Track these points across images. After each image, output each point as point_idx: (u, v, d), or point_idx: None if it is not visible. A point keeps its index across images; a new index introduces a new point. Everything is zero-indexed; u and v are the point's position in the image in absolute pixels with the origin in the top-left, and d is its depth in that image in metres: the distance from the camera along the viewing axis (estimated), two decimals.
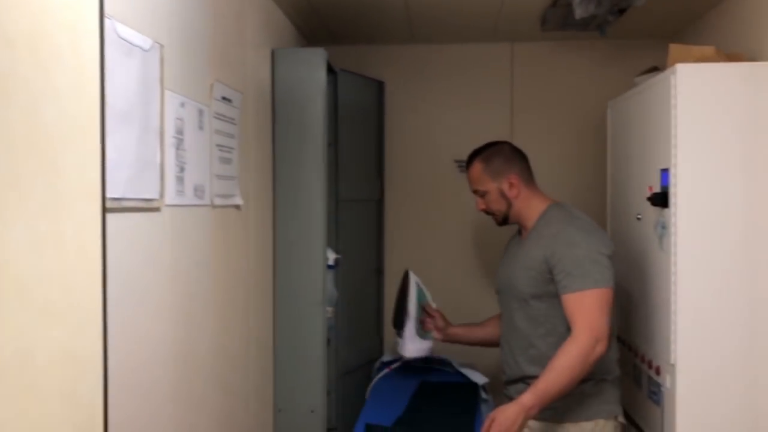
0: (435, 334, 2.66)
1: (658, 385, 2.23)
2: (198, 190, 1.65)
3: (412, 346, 2.64)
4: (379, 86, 3.26)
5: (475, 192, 2.32)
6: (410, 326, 2.64)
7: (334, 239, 2.77)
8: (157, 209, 1.40)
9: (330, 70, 2.60)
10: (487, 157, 2.29)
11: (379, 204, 3.30)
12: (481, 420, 2.33)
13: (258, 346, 2.21)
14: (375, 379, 2.84)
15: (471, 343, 2.68)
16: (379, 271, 3.29)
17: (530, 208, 2.25)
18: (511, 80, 3.26)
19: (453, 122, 3.27)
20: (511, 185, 2.25)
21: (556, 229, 2.13)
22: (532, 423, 2.07)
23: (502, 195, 2.25)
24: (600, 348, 1.99)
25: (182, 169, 1.54)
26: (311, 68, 2.42)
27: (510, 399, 2.11)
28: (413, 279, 2.70)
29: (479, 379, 2.73)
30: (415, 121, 3.30)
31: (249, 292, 2.12)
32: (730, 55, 2.17)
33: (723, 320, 2.07)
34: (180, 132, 1.52)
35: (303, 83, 2.42)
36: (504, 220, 2.31)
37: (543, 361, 2.08)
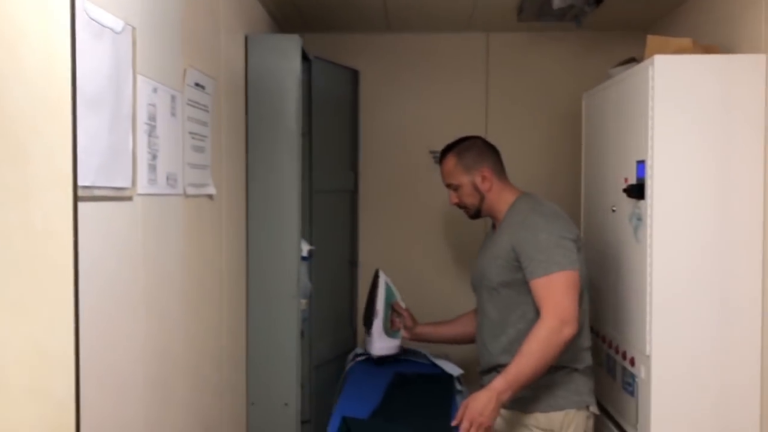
0: (403, 332, 2.74)
1: (633, 376, 2.24)
2: (170, 179, 1.60)
3: (380, 344, 2.74)
4: (354, 75, 3.22)
5: (449, 186, 2.35)
6: (378, 325, 2.71)
7: (307, 230, 2.74)
8: (129, 198, 1.35)
9: (304, 57, 2.55)
10: (460, 152, 2.33)
11: (353, 195, 3.26)
12: (457, 411, 2.33)
13: (231, 339, 2.17)
14: (347, 371, 2.82)
15: (440, 341, 2.73)
16: (353, 263, 3.26)
17: (501, 201, 2.29)
18: (487, 70, 3.24)
19: (428, 113, 3.25)
20: (483, 178, 2.29)
21: (521, 218, 2.19)
22: (502, 412, 2.08)
23: (475, 188, 2.29)
24: (568, 330, 2.01)
25: (154, 157, 1.49)
26: (285, 55, 2.37)
27: None
28: (383, 278, 2.76)
29: (454, 370, 2.73)
30: (389, 111, 3.26)
31: (222, 284, 2.08)
32: (706, 47, 2.18)
33: (698, 311, 2.09)
34: (152, 118, 1.47)
35: (277, 71, 2.37)
36: (476, 214, 2.35)
37: (514, 348, 2.10)
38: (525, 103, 3.22)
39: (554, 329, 2.01)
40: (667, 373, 2.10)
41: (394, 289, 2.79)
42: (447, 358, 2.87)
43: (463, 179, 2.31)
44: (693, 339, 2.09)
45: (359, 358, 2.87)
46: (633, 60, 2.44)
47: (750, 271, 2.07)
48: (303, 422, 2.55)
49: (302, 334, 2.48)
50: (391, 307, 2.77)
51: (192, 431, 1.78)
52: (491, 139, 3.25)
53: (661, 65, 2.06)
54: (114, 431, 1.30)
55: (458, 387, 2.63)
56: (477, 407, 1.97)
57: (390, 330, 2.77)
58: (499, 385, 1.98)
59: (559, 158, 3.20)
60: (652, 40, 2.16)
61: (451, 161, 2.33)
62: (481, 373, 2.33)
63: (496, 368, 2.16)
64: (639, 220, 2.18)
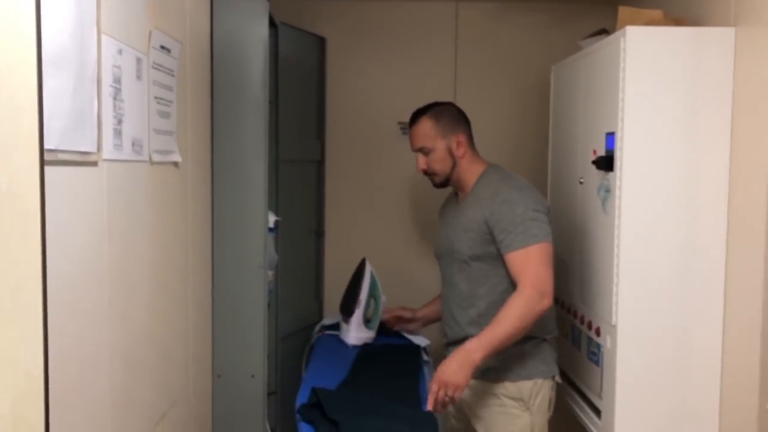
0: (411, 327, 2.75)
1: (598, 346, 2.27)
2: (136, 145, 1.54)
3: (357, 334, 2.73)
4: (321, 42, 3.16)
5: (420, 150, 2.28)
6: (358, 315, 2.70)
7: (273, 201, 2.69)
8: (94, 163, 1.30)
9: (271, 23, 2.49)
10: (437, 114, 2.28)
11: (319, 165, 3.22)
12: (425, 381, 2.34)
13: (197, 311, 2.13)
14: (314, 342, 2.81)
15: (436, 320, 2.62)
16: (320, 234, 3.23)
17: (470, 171, 2.26)
18: (456, 40, 3.21)
19: (396, 82, 3.21)
20: (458, 144, 2.25)
21: (493, 190, 2.16)
22: (471, 383, 2.08)
23: (450, 153, 2.24)
24: (546, 301, 2.04)
25: (120, 122, 1.43)
26: (252, 19, 2.30)
27: None
28: (369, 269, 2.73)
29: (421, 341, 2.73)
30: (357, 80, 3.21)
31: (188, 254, 2.03)
32: (676, 19, 2.18)
33: (664, 282, 2.12)
34: (117, 81, 1.41)
35: (243, 36, 2.30)
36: (444, 182, 2.30)
37: (483, 321, 2.12)
38: (494, 73, 3.21)
39: (533, 299, 2.02)
40: (632, 342, 2.13)
41: (378, 281, 2.77)
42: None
43: (438, 143, 2.25)
44: (658, 309, 2.12)
45: (327, 331, 2.85)
46: (604, 31, 2.44)
47: (715, 243, 2.10)
48: (269, 394, 2.53)
49: (268, 305, 2.45)
50: (372, 299, 2.74)
51: (158, 403, 1.75)
52: None
53: (633, 37, 2.06)
54: (81, 402, 1.26)
55: (425, 358, 2.64)
56: (448, 369, 1.96)
57: (367, 321, 2.75)
58: (472, 345, 1.99)
59: (527, 130, 3.19)
60: (623, 11, 2.16)
61: (426, 123, 2.27)
62: (447, 345, 2.34)
63: (464, 340, 2.15)
64: (607, 192, 2.19)
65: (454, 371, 1.96)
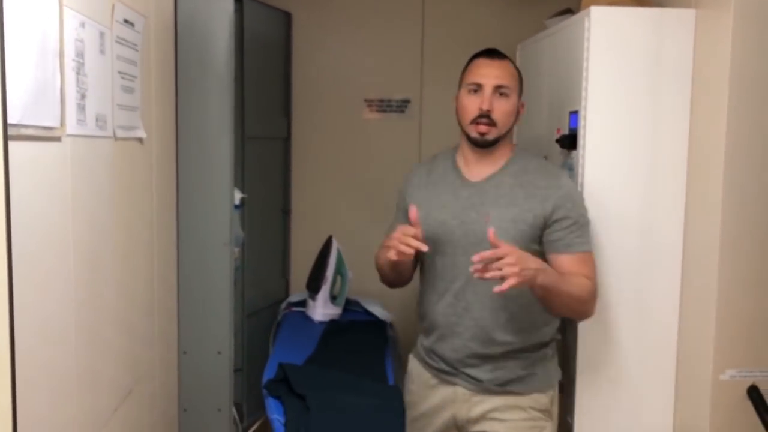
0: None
1: None
2: (100, 120, 1.52)
3: (324, 310, 2.75)
4: (287, 18, 3.13)
5: (498, 88, 1.91)
6: (325, 291, 2.71)
7: (239, 178, 2.68)
8: (57, 139, 1.28)
9: None
10: (518, 70, 2.02)
11: (286, 142, 3.20)
12: (391, 356, 2.37)
13: (162, 287, 2.12)
14: (281, 319, 2.82)
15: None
16: (286, 212, 3.23)
17: (509, 145, 2.01)
18: (422, 17, 3.21)
19: (363, 59, 3.20)
20: (522, 108, 2.03)
21: (557, 181, 1.94)
22: (497, 400, 1.94)
23: (517, 113, 1.99)
24: (594, 309, 1.96)
25: (83, 96, 1.41)
26: None
27: (452, 386, 1.99)
28: (335, 246, 2.74)
29: (387, 317, 2.76)
30: (323, 56, 3.20)
31: (153, 231, 2.01)
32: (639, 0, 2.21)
33: (623, 259, 2.17)
34: (80, 55, 1.39)
35: (208, 10, 2.26)
36: (494, 141, 1.94)
37: (515, 325, 1.92)
38: (461, 51, 3.18)
39: (592, 297, 1.93)
40: (589, 323, 2.17)
41: (344, 257, 2.79)
42: (380, 305, 2.90)
43: (515, 94, 1.95)
44: (618, 286, 2.17)
45: (293, 308, 2.86)
46: (569, 11, 2.46)
47: (674, 219, 2.15)
48: (236, 370, 2.53)
49: (235, 282, 2.45)
50: (338, 275, 2.75)
51: (123, 380, 1.74)
52: (426, 88, 3.25)
53: (597, 16, 2.08)
54: (47, 379, 1.25)
55: (390, 333, 2.67)
56: (525, 255, 1.75)
57: (333, 298, 2.77)
58: (545, 267, 1.81)
59: None
60: None
61: (513, 68, 1.99)
62: (453, 366, 1.99)
63: (492, 347, 1.94)
64: (570, 170, 2.23)
65: (528, 260, 1.74)
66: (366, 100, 3.16)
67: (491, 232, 1.70)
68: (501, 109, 1.91)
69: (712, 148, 2.01)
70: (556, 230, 1.89)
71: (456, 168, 2.02)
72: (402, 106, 3.20)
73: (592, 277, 1.92)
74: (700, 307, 2.07)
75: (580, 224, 1.92)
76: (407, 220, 1.92)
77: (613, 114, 2.12)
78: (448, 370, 2.00)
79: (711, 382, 2.01)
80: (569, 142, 2.22)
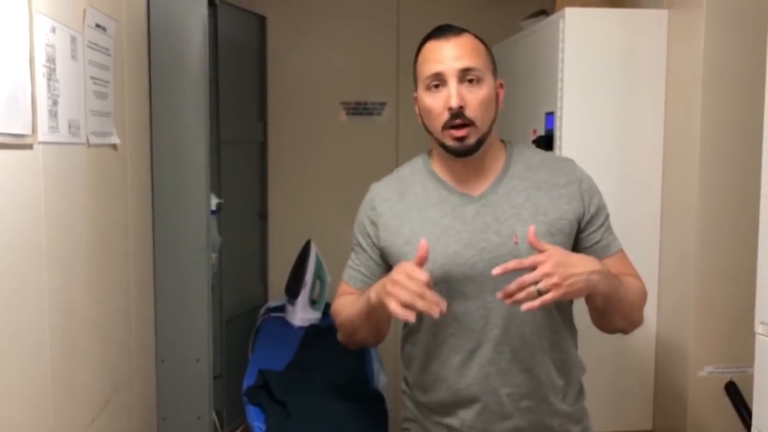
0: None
1: None
2: (72, 127, 1.50)
3: (303, 315, 2.73)
4: (261, 21, 3.11)
5: (465, 72, 1.42)
6: (304, 295, 2.70)
7: (216, 183, 2.65)
8: (29, 146, 1.25)
9: (210, 1, 2.43)
10: (483, 41, 1.51)
11: (262, 146, 3.18)
12: (371, 360, 2.36)
13: (139, 295, 2.09)
14: (260, 325, 2.80)
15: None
16: (263, 216, 3.21)
17: (495, 142, 1.54)
18: (398, 20, 3.21)
19: (338, 62, 3.19)
20: (501, 89, 1.53)
21: (574, 173, 1.52)
22: None
23: (495, 99, 1.49)
24: (639, 323, 1.55)
25: (55, 103, 1.39)
26: None
27: None
28: (314, 249, 2.73)
29: None
30: (298, 60, 3.18)
31: (128, 238, 1.99)
32: (613, 1, 2.23)
33: None
34: (51, 60, 1.37)
35: (181, 13, 2.24)
36: (478, 142, 1.45)
37: (569, 369, 1.51)
38: None
39: (645, 302, 1.55)
40: None
41: (323, 261, 2.77)
42: None
43: (489, 77, 1.46)
44: None
45: (272, 313, 2.84)
46: (543, 12, 2.47)
47: (650, 219, 2.17)
48: (215, 377, 2.51)
49: (212, 288, 2.43)
50: (318, 279, 2.73)
51: (101, 389, 1.72)
52: (402, 90, 3.25)
53: (571, 18, 2.10)
54: (20, 390, 1.23)
55: None
56: (569, 256, 1.31)
57: (312, 302, 2.76)
58: (604, 267, 1.37)
59: None
60: None
61: (476, 41, 1.47)
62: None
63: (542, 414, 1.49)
64: None
65: (575, 263, 1.30)
66: (342, 103, 3.15)
67: (532, 230, 1.32)
68: (476, 100, 1.42)
69: (687, 146, 2.03)
70: (590, 232, 1.51)
71: (442, 182, 1.53)
72: (378, 108, 3.20)
73: (638, 275, 1.56)
74: (678, 306, 2.09)
75: (608, 219, 1.56)
76: (376, 263, 1.55)
77: (588, 114, 2.14)
78: None
79: (690, 379, 2.03)
80: (545, 143, 2.23)
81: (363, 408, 1.93)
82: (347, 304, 1.56)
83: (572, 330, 1.56)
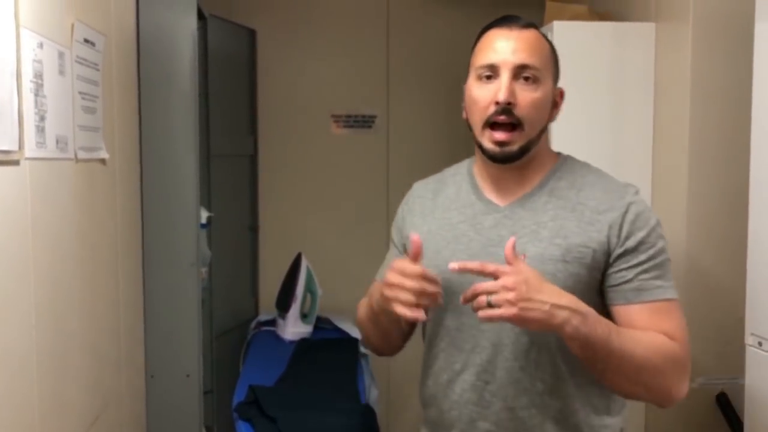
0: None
1: None
2: (60, 142, 1.49)
3: (294, 329, 2.71)
4: (251, 35, 3.12)
5: (521, 69, 1.31)
6: (295, 309, 2.69)
7: (206, 196, 2.65)
8: (16, 162, 1.25)
9: (199, 15, 2.44)
10: (551, 44, 1.41)
11: (252, 159, 3.18)
12: (363, 374, 2.35)
13: (128, 310, 2.08)
14: (250, 339, 2.78)
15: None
16: (254, 229, 3.20)
17: (547, 149, 1.42)
18: (387, 33, 3.22)
19: (328, 75, 3.20)
20: (561, 99, 1.41)
21: (621, 200, 1.33)
22: None
23: (552, 104, 1.38)
24: (683, 387, 1.27)
25: (42, 119, 1.38)
26: (179, 11, 2.25)
27: None
28: (305, 263, 2.73)
29: (358, 333, 2.74)
30: (288, 73, 3.19)
31: (117, 253, 1.98)
32: (600, 14, 2.25)
33: None
34: (39, 76, 1.36)
35: (170, 28, 2.24)
36: (520, 152, 1.32)
37: (573, 420, 1.30)
38: (426, 65, 3.23)
39: (681, 369, 1.27)
40: None
41: (314, 274, 2.76)
42: (351, 322, 2.88)
43: (548, 79, 1.34)
44: None
45: (263, 327, 2.83)
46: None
47: None
48: (205, 393, 2.49)
49: (203, 303, 2.42)
50: (308, 293, 2.72)
51: (90, 405, 1.70)
52: (393, 103, 3.26)
53: (560, 31, 2.11)
54: (7, 408, 1.21)
55: (362, 350, 2.65)
56: (534, 277, 1.16)
57: (303, 316, 2.75)
58: (581, 308, 1.17)
59: (459, 123, 3.22)
60: (550, 6, 2.21)
61: (543, 40, 1.38)
62: None
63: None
64: None
65: (543, 289, 1.15)
66: (333, 116, 3.15)
67: (511, 241, 1.19)
68: (527, 100, 1.29)
69: (675, 155, 2.04)
70: (621, 269, 1.28)
71: (475, 186, 1.44)
72: (369, 121, 3.21)
73: (679, 337, 1.27)
74: None
75: (658, 262, 1.30)
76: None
77: (578, 126, 2.15)
78: None
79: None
80: None
81: (353, 423, 1.92)
82: (364, 304, 1.48)
83: (589, 384, 1.30)
